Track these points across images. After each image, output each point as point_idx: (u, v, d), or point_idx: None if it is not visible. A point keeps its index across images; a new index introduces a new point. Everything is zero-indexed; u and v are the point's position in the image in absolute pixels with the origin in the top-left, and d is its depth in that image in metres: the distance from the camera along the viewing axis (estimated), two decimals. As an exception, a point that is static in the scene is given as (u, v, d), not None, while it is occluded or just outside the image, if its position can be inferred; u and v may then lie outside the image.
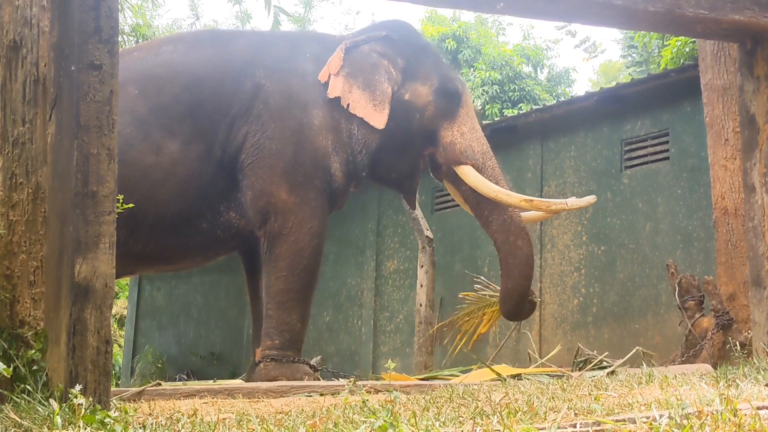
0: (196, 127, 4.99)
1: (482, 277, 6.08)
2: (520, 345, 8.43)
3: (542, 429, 2.15)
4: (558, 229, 8.52)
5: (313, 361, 5.39)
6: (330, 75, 5.12)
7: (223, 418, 2.73)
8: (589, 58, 23.34)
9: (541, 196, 8.74)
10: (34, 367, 2.86)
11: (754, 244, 4.42)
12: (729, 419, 2.11)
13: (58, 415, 2.36)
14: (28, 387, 2.76)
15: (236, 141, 5.00)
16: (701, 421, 2.11)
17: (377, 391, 3.86)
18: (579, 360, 5.28)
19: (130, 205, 3.71)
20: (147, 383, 4.32)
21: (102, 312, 2.76)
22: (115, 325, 14.96)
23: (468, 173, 5.20)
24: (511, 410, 2.55)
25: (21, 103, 3.16)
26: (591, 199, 5.39)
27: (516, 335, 8.58)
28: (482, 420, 2.32)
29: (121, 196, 3.28)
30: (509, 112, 13.46)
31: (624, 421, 2.17)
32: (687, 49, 8.59)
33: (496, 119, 11.80)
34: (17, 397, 2.70)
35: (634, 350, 5.30)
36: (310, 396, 3.86)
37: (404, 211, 8.15)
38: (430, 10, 16.95)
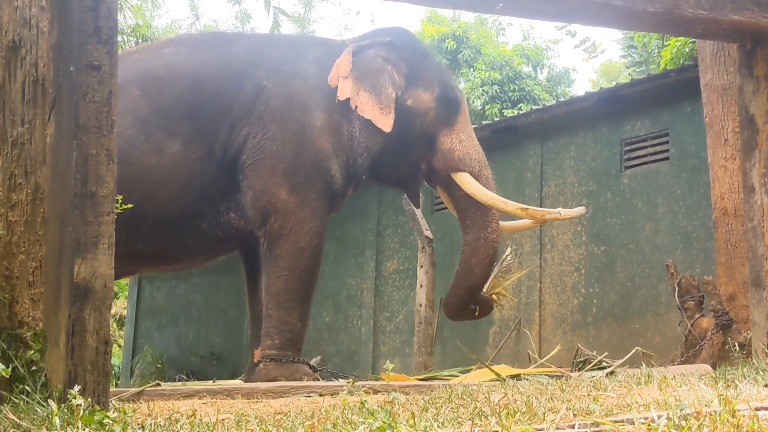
0: (197, 128, 5.01)
1: None
2: (519, 345, 8.43)
3: (540, 429, 2.15)
4: (558, 229, 8.52)
5: (312, 362, 5.40)
6: (339, 78, 5.16)
7: (222, 419, 2.73)
8: (589, 59, 23.35)
9: (541, 196, 8.75)
10: (33, 368, 2.86)
11: (753, 244, 4.41)
12: (727, 420, 2.11)
13: (56, 415, 2.36)
14: (26, 387, 2.76)
15: (237, 142, 5.02)
16: (699, 422, 2.10)
17: (376, 392, 3.86)
18: (578, 360, 5.28)
19: (129, 206, 3.71)
20: (146, 383, 4.32)
21: (101, 312, 2.76)
22: (115, 326, 14.97)
23: (466, 180, 5.30)
24: (510, 411, 2.55)
25: (20, 103, 3.16)
26: (581, 210, 5.54)
27: (516, 335, 8.59)
28: (481, 421, 2.32)
29: (120, 197, 3.28)
30: (509, 112, 13.46)
31: (622, 421, 2.17)
32: (687, 50, 8.59)
33: (496, 119, 11.81)
34: (16, 398, 2.71)
35: (634, 350, 5.30)
36: (310, 396, 3.86)
37: (404, 211, 8.14)
38: (430, 10, 16.96)
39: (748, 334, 4.89)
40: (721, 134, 5.85)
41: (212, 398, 3.78)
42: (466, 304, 5.48)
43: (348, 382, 4.15)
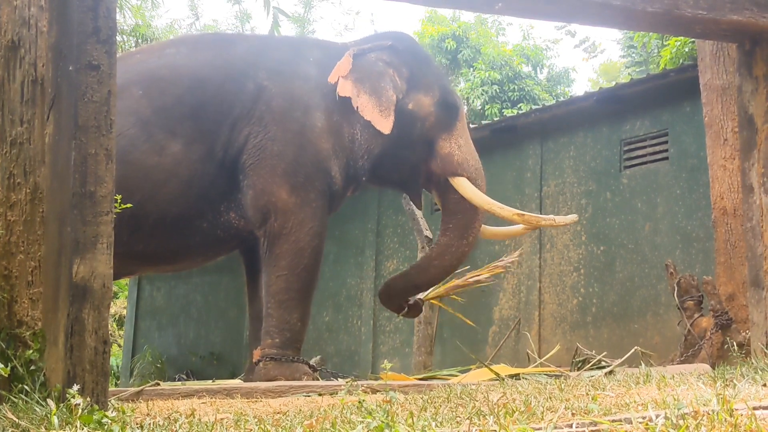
0: (198, 128, 5.02)
1: None
2: (519, 345, 8.44)
3: (539, 429, 2.15)
4: (557, 229, 8.51)
5: (312, 361, 5.40)
6: (339, 78, 5.17)
7: (221, 419, 2.73)
8: (589, 58, 23.34)
9: (541, 196, 8.75)
10: (32, 367, 2.86)
11: (752, 244, 4.42)
12: (725, 419, 2.11)
13: (55, 415, 2.36)
14: (25, 387, 2.76)
15: (238, 142, 5.03)
16: (697, 421, 2.11)
17: (375, 391, 3.86)
18: (577, 360, 5.29)
19: (129, 206, 3.72)
20: (146, 383, 4.32)
21: (100, 312, 2.77)
22: (115, 325, 14.97)
23: (464, 185, 5.33)
24: (509, 410, 2.55)
25: (19, 103, 3.16)
26: (574, 217, 5.61)
27: (515, 335, 8.59)
28: (479, 420, 2.32)
29: (119, 196, 3.29)
30: (509, 112, 13.46)
31: (620, 421, 2.17)
32: (686, 50, 8.59)
33: (495, 119, 11.82)
34: (15, 397, 2.71)
35: (633, 350, 5.30)
36: (309, 396, 3.87)
37: (404, 211, 8.16)
38: (430, 10, 16.96)
39: (747, 333, 4.89)
40: (720, 134, 5.85)
41: (211, 398, 3.78)
42: (403, 298, 5.56)
43: (347, 382, 4.15)
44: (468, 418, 2.40)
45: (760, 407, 2.35)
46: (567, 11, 4.47)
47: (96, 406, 2.54)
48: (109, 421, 2.35)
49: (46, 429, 2.30)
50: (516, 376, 4.52)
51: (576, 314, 8.25)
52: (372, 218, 10.38)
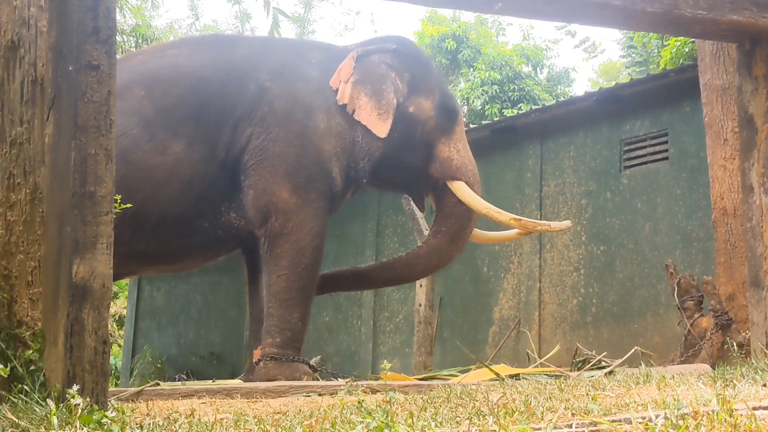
0: (200, 129, 5.04)
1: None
2: (519, 345, 8.43)
3: (538, 429, 2.15)
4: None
5: (312, 361, 5.40)
6: (340, 82, 5.19)
7: (221, 419, 2.73)
8: (589, 58, 23.35)
9: (541, 196, 8.75)
10: (32, 368, 2.86)
11: (752, 244, 4.42)
12: (725, 419, 2.11)
13: (55, 415, 2.36)
14: (25, 387, 2.76)
15: (240, 143, 5.04)
16: (697, 421, 2.11)
17: (375, 392, 3.86)
18: (577, 360, 5.29)
19: (128, 206, 3.72)
20: (146, 383, 4.32)
21: (100, 312, 2.77)
22: (115, 325, 14.96)
23: (462, 189, 5.38)
24: (508, 410, 2.55)
25: (19, 103, 3.16)
26: (568, 223, 5.70)
27: (515, 335, 8.59)
28: (479, 420, 2.32)
29: (118, 196, 3.29)
30: (509, 112, 13.46)
31: (620, 421, 2.17)
32: (686, 50, 8.59)
33: (495, 119, 11.81)
34: (15, 397, 2.71)
35: (633, 350, 5.31)
36: (309, 396, 3.87)
37: (404, 211, 8.15)
38: (430, 10, 16.96)
39: (747, 333, 4.89)
40: (720, 134, 5.85)
41: (211, 398, 3.78)
42: (359, 288, 5.68)
43: (347, 382, 4.15)
44: (468, 418, 2.39)
45: (760, 407, 2.35)
46: (567, 11, 4.47)
47: (96, 406, 2.54)
48: (109, 421, 2.35)
49: (45, 429, 2.30)
50: (516, 376, 4.52)
51: (576, 314, 8.24)
52: (372, 218, 10.38)
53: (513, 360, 7.84)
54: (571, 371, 4.96)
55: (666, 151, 7.83)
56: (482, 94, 15.14)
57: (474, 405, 2.82)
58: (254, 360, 5.02)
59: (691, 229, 7.47)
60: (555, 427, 2.16)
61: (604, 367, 4.89)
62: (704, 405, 2.35)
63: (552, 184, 8.72)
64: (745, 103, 4.51)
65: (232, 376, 8.52)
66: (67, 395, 2.51)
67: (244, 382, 4.98)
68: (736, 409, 2.21)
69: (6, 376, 2.75)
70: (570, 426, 2.18)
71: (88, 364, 2.71)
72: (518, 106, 14.43)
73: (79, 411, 2.38)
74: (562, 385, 3.40)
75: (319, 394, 3.90)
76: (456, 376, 5.05)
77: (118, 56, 4.52)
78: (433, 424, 2.29)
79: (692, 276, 6.06)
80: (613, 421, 2.18)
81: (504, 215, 5.37)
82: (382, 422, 2.14)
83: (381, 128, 5.20)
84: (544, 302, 8.52)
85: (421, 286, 7.77)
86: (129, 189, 4.58)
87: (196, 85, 5.12)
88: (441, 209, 5.51)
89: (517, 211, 7.46)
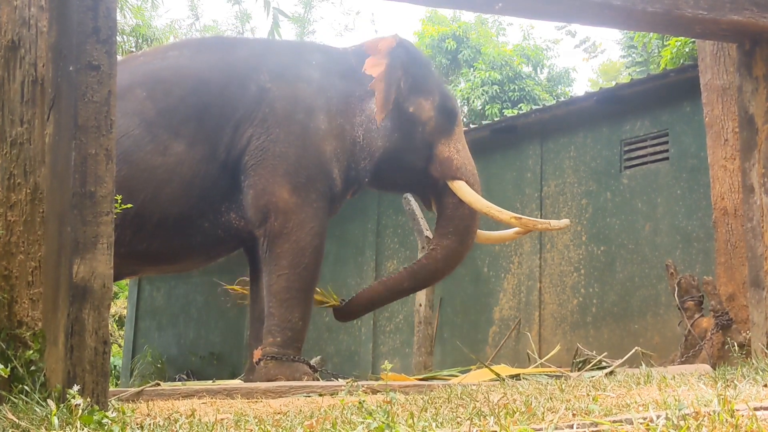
0: (201, 129, 5.06)
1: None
2: (519, 345, 8.43)
3: (539, 429, 2.15)
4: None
5: (312, 362, 5.40)
6: (376, 55, 5.35)
7: (221, 419, 2.73)
8: (589, 59, 23.34)
9: (541, 196, 8.75)
10: (32, 368, 2.86)
11: (752, 244, 4.41)
12: (726, 420, 2.11)
13: (55, 415, 2.36)
14: (26, 387, 2.76)
15: (240, 143, 5.06)
16: (698, 421, 2.10)
17: (375, 392, 3.86)
18: (578, 360, 5.29)
19: (129, 206, 3.72)
20: (146, 383, 4.32)
21: (100, 312, 2.76)
22: (115, 326, 14.96)
23: (463, 188, 5.40)
24: (509, 411, 2.55)
25: (19, 103, 3.16)
26: (566, 222, 5.64)
27: (515, 335, 8.59)
28: (479, 420, 2.32)
29: (119, 197, 3.29)
30: (509, 112, 13.46)
31: (621, 421, 2.17)
32: (687, 50, 8.59)
33: (495, 119, 11.82)
34: (15, 398, 2.70)
35: (633, 350, 5.30)
36: (309, 396, 3.86)
37: (404, 211, 8.15)
38: (430, 10, 16.96)
39: (748, 334, 4.89)
40: (720, 134, 5.84)
41: (212, 398, 3.78)
42: (392, 300, 5.63)
43: (347, 382, 4.15)
44: (468, 419, 2.39)
45: (761, 408, 2.34)
46: (567, 11, 4.46)
47: (96, 407, 2.54)
48: (110, 422, 2.35)
49: (46, 429, 2.30)
50: (516, 377, 4.52)
51: (576, 314, 8.24)
52: (372, 218, 10.38)
53: (513, 360, 7.83)
54: (571, 371, 4.95)
55: (666, 151, 7.83)
56: (482, 94, 15.14)
57: (475, 405, 2.81)
58: (255, 360, 5.02)
59: (692, 230, 7.47)
60: (556, 428, 2.15)
61: (604, 368, 4.88)
62: (705, 405, 2.35)
63: (552, 184, 8.72)
64: (746, 103, 4.51)
65: (232, 376, 8.52)
66: (67, 395, 2.50)
67: (245, 382, 4.98)
68: (737, 410, 2.20)
69: (6, 376, 2.75)
70: (571, 426, 2.18)
71: (88, 364, 2.71)
72: (518, 106, 14.42)
73: (80, 411, 2.38)
74: (563, 386, 3.40)
75: (320, 395, 3.89)
76: (456, 376, 5.05)
77: (118, 57, 4.53)
78: (433, 424, 2.29)
79: (692, 276, 6.06)
80: (614, 421, 2.18)
81: (504, 213, 5.40)
82: (383, 422, 2.14)
83: (380, 115, 5.27)
84: (544, 302, 8.52)
85: (421, 286, 7.75)
86: (131, 189, 4.61)
87: (198, 87, 5.14)
88: (443, 210, 5.53)
89: (517, 211, 7.45)
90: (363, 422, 2.23)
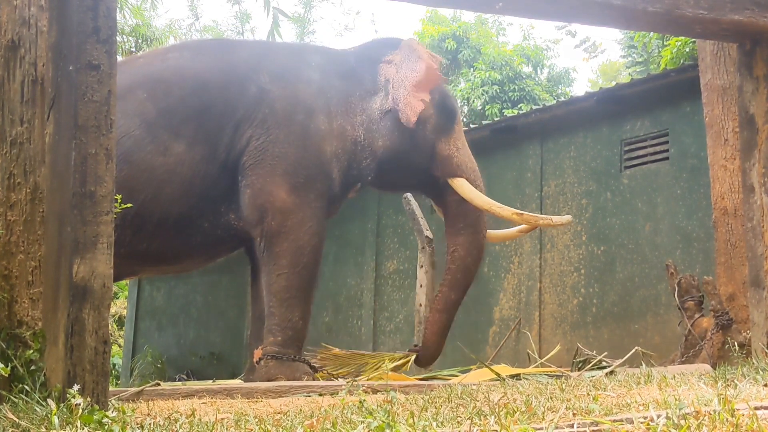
0: (201, 130, 5.07)
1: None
2: (519, 345, 8.43)
3: (540, 429, 2.15)
4: (558, 229, 8.51)
5: (313, 362, 5.40)
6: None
7: (222, 419, 2.73)
8: (589, 58, 23.35)
9: (541, 196, 8.75)
10: (32, 367, 2.86)
11: (752, 244, 4.41)
12: (726, 419, 2.11)
13: (55, 415, 2.36)
14: (26, 387, 2.76)
15: (240, 144, 5.07)
16: (699, 421, 2.10)
17: (375, 392, 3.86)
18: (578, 360, 5.29)
19: (129, 205, 3.72)
20: (146, 383, 4.32)
21: (100, 312, 2.76)
22: (115, 326, 14.96)
23: (464, 186, 5.44)
24: (509, 410, 2.54)
25: (19, 103, 3.16)
26: (569, 218, 5.68)
27: (516, 335, 8.59)
28: (480, 420, 2.32)
29: (119, 196, 3.29)
30: (509, 112, 13.46)
31: (621, 421, 2.17)
32: (687, 50, 8.58)
33: (496, 119, 11.81)
34: (15, 397, 2.70)
35: (634, 350, 5.30)
36: (309, 396, 3.86)
37: (404, 211, 8.13)
38: (430, 10, 16.96)
39: (748, 333, 4.89)
40: (721, 134, 5.84)
41: (212, 398, 3.78)
42: (458, 303, 5.57)
43: (347, 382, 4.15)
44: (469, 418, 2.39)
45: (761, 407, 2.34)
46: (567, 11, 4.46)
47: (96, 406, 2.54)
48: (110, 421, 2.35)
49: (46, 429, 2.30)
50: (516, 377, 4.52)
51: (576, 314, 8.24)
52: (372, 218, 10.38)
53: (513, 360, 7.83)
54: (571, 371, 4.95)
55: (666, 151, 7.82)
56: (482, 94, 15.13)
57: (475, 405, 2.81)
58: (255, 359, 5.03)
59: (692, 230, 7.47)
60: (556, 427, 2.15)
61: (604, 367, 4.88)
62: (706, 405, 2.35)
63: (552, 184, 8.72)
64: (746, 103, 4.51)
65: (233, 376, 8.52)
66: (67, 395, 2.50)
67: (245, 381, 4.99)
68: (737, 409, 2.20)
69: (6, 376, 2.75)
70: (572, 426, 2.18)
71: (88, 364, 2.71)
72: (518, 106, 14.42)
73: (80, 411, 2.38)
74: (563, 385, 3.40)
75: (320, 394, 3.89)
76: (456, 376, 5.05)
77: (118, 57, 4.53)
78: (434, 424, 2.29)
79: (693, 276, 6.06)
80: (615, 421, 2.18)
81: (506, 210, 5.42)
82: (384, 422, 2.14)
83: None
84: (544, 302, 8.51)
85: (421, 286, 7.74)
86: (131, 189, 4.63)
87: (198, 88, 5.16)
88: (448, 209, 5.56)
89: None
90: (363, 422, 2.23)
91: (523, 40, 18.35)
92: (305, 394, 3.93)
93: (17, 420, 2.42)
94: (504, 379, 4.25)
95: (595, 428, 2.15)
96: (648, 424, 2.11)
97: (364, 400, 2.61)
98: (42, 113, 3.13)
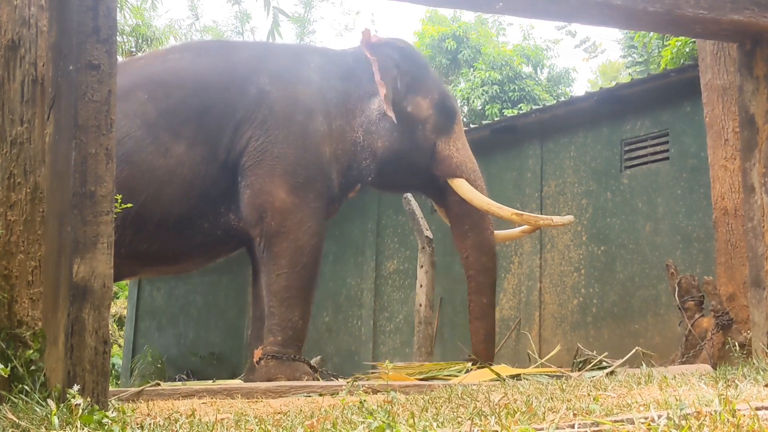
0: (201, 131, 5.09)
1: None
2: (519, 345, 8.43)
3: (540, 429, 2.14)
4: (558, 229, 8.51)
5: (313, 362, 5.41)
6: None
7: (222, 419, 2.73)
8: (589, 58, 23.34)
9: (541, 196, 8.74)
10: (32, 367, 2.85)
11: (753, 244, 4.41)
12: (727, 420, 2.10)
13: (55, 415, 2.35)
14: (26, 387, 2.76)
15: (240, 144, 5.08)
16: (699, 421, 2.10)
17: (376, 392, 3.86)
18: (578, 360, 5.29)
19: (129, 205, 3.72)
20: (146, 383, 4.32)
21: (100, 312, 2.76)
22: (115, 326, 14.95)
23: (463, 186, 5.46)
24: (510, 410, 2.54)
25: (19, 102, 3.16)
26: (570, 218, 5.73)
27: (516, 335, 8.58)
28: (480, 420, 2.32)
29: (119, 196, 3.29)
30: (509, 112, 13.45)
31: (622, 421, 2.17)
32: (687, 49, 8.58)
33: (495, 119, 11.80)
34: (15, 397, 2.70)
35: (634, 350, 5.30)
36: (309, 396, 3.86)
37: (404, 211, 8.15)
38: (430, 10, 16.95)
39: (748, 334, 4.88)
40: (721, 134, 5.84)
41: (212, 398, 3.78)
42: (492, 304, 5.54)
43: (348, 382, 4.15)
44: (469, 419, 2.39)
45: (762, 408, 2.34)
46: (567, 11, 4.46)
47: (96, 406, 2.53)
48: (110, 422, 2.35)
49: (46, 429, 2.30)
50: (517, 377, 4.52)
51: (576, 314, 8.24)
52: (372, 218, 10.37)
53: (513, 360, 7.83)
54: (572, 371, 4.95)
55: (666, 151, 7.82)
56: (482, 94, 15.13)
57: (475, 405, 2.81)
58: (255, 359, 5.03)
59: (692, 230, 7.46)
60: (557, 428, 2.15)
61: (605, 368, 4.88)
62: (706, 405, 2.35)
63: (552, 184, 8.71)
64: (746, 103, 4.50)
65: (233, 376, 8.52)
66: (67, 395, 2.50)
67: (245, 381, 4.98)
68: (738, 410, 2.20)
69: (6, 376, 2.75)
70: (572, 426, 2.18)
71: (88, 364, 2.70)
72: (518, 106, 14.42)
73: (80, 411, 2.37)
74: (564, 386, 3.40)
75: (320, 394, 3.89)
76: (457, 376, 5.05)
77: (118, 57, 4.54)
78: (434, 424, 2.28)
79: (693, 276, 6.06)
80: (616, 421, 2.17)
81: (505, 210, 5.43)
82: (384, 422, 2.13)
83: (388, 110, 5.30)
84: (544, 302, 8.51)
85: (421, 286, 7.75)
86: (132, 189, 4.64)
87: (198, 89, 5.17)
88: (450, 209, 5.58)
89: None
90: (364, 422, 2.22)
91: (523, 40, 18.35)
92: (305, 394, 3.93)
93: (17, 420, 2.42)
94: (504, 380, 4.25)
95: (596, 429, 2.15)
96: (649, 425, 2.11)
97: (365, 401, 2.61)
98: (42, 113, 3.13)
